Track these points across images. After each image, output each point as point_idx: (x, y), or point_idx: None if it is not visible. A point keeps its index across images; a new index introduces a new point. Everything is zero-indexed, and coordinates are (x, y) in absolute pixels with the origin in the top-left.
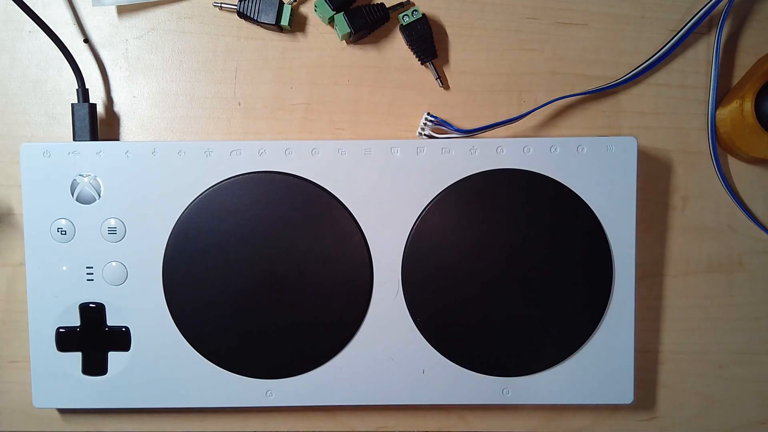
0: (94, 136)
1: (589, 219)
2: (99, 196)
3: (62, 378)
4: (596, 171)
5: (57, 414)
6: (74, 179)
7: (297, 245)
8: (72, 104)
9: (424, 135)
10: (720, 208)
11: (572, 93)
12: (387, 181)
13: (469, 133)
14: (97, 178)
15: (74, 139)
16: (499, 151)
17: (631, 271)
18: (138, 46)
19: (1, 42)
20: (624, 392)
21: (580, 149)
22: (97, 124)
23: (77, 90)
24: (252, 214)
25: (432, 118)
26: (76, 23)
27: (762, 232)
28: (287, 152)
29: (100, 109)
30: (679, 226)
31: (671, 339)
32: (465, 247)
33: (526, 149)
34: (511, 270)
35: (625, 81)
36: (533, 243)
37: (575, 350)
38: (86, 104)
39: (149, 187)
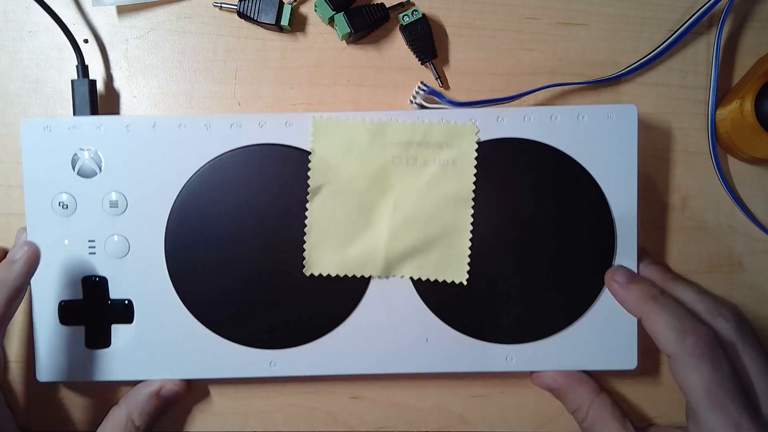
0: (94, 111)
1: (591, 186)
2: (100, 170)
3: (66, 351)
4: (597, 139)
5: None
6: (75, 153)
7: (298, 216)
8: (72, 80)
9: (416, 103)
10: (720, 208)
11: (571, 82)
12: None
13: (461, 105)
14: (98, 152)
15: (74, 115)
16: (499, 120)
17: (633, 237)
18: (138, 46)
19: (1, 42)
20: (627, 358)
21: (580, 117)
22: (96, 99)
23: (77, 66)
24: (253, 186)
25: (425, 87)
26: (77, 23)
27: (762, 232)
28: (287, 124)
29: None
30: (679, 226)
31: None
32: None
33: (526, 118)
34: (513, 237)
35: (623, 75)
36: (535, 211)
37: (578, 317)
38: (86, 80)
39: (150, 160)
